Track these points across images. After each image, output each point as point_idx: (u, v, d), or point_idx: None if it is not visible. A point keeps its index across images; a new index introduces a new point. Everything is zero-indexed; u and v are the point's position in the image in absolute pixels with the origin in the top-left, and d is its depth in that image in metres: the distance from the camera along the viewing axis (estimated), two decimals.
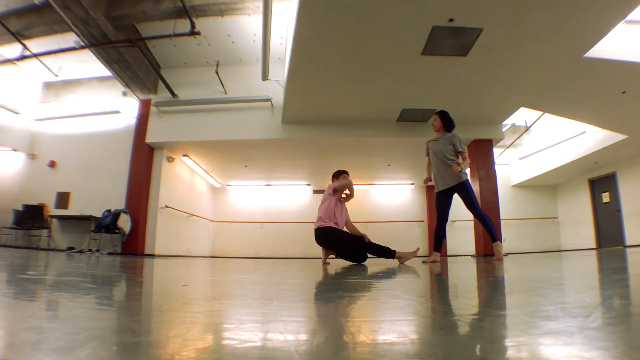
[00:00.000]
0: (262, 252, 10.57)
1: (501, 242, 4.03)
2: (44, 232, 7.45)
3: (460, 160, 4.07)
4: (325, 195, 4.31)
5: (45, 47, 6.73)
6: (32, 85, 8.38)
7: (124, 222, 6.97)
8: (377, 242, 4.03)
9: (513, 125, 9.49)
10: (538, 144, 10.01)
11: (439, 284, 1.76)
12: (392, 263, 3.84)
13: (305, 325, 0.77)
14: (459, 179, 4.01)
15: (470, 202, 4.02)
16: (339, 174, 4.42)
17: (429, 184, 4.15)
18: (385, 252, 3.87)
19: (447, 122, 4.26)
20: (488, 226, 4.01)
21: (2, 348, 0.54)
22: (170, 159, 8.07)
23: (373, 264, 3.90)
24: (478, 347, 0.57)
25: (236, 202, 11.42)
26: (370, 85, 5.82)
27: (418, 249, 4.06)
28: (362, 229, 4.40)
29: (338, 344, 0.59)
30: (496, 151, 8.92)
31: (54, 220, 7.61)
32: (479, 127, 7.20)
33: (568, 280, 1.74)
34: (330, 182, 4.43)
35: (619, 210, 9.01)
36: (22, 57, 6.76)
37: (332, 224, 4.09)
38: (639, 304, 0.97)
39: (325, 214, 4.15)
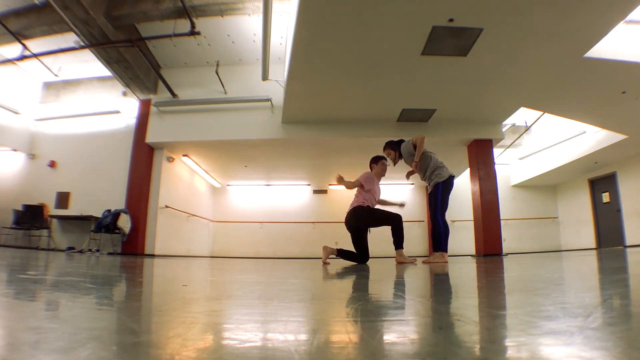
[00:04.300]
0: (262, 252, 10.57)
1: (446, 251, 4.01)
2: (44, 232, 7.45)
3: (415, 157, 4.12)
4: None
5: (45, 47, 6.73)
6: (32, 85, 8.38)
7: (124, 222, 6.97)
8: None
9: (513, 125, 9.49)
10: (538, 144, 10.01)
11: (439, 284, 1.76)
12: (392, 263, 3.85)
13: (305, 325, 0.77)
14: (432, 184, 4.05)
15: (432, 204, 4.04)
16: (376, 160, 4.44)
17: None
18: (400, 240, 3.98)
19: (397, 148, 4.35)
20: (439, 236, 3.98)
21: (2, 348, 0.54)
22: (170, 159, 8.07)
23: (373, 264, 3.90)
24: (478, 347, 0.57)
25: (236, 202, 11.42)
26: (370, 85, 5.82)
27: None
28: None
29: (338, 344, 0.59)
30: (496, 151, 8.92)
31: (54, 220, 7.61)
32: (479, 127, 7.20)
33: (568, 280, 1.74)
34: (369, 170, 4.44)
35: (619, 210, 9.01)
36: (22, 57, 6.76)
37: (365, 204, 4.14)
38: (639, 304, 0.97)
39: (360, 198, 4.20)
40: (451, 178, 4.09)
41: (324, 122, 7.15)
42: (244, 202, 11.39)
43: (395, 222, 4.01)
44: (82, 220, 7.40)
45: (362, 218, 4.09)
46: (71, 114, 8.20)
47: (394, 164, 4.47)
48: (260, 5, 5.36)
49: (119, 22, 6.03)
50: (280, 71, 6.86)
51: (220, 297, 1.28)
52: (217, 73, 7.40)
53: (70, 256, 4.81)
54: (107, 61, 6.57)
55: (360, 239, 4.10)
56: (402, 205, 4.50)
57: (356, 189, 4.30)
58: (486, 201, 6.87)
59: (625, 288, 1.30)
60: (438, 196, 4.01)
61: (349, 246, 4.16)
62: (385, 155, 4.47)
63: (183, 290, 1.48)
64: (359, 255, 4.06)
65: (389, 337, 0.64)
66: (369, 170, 4.44)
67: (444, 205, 4.05)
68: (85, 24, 5.56)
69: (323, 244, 4.34)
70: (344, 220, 4.24)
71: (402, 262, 3.82)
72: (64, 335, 0.62)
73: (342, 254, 4.06)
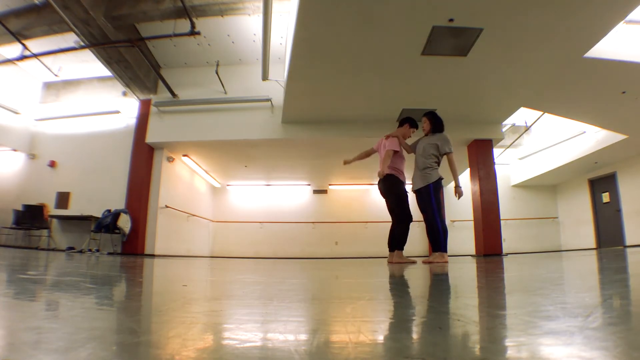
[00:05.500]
0: (262, 252, 10.57)
1: (446, 251, 3.98)
2: (44, 232, 7.45)
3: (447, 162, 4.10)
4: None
5: (45, 47, 6.73)
6: (32, 85, 8.38)
7: (124, 222, 6.97)
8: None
9: (513, 125, 9.49)
10: (538, 144, 10.01)
11: (439, 284, 1.76)
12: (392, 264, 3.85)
13: (305, 325, 0.77)
14: (424, 182, 4.03)
15: (428, 206, 4.01)
16: (404, 123, 4.40)
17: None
18: (402, 242, 3.98)
19: (435, 124, 4.29)
20: (438, 236, 3.94)
21: (2, 348, 0.54)
22: (170, 159, 8.07)
23: (373, 265, 3.90)
24: (478, 347, 0.57)
25: (236, 202, 11.42)
26: (370, 85, 5.82)
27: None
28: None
29: (338, 344, 0.59)
30: (496, 151, 8.92)
31: (54, 220, 7.61)
32: (479, 127, 7.20)
33: (568, 280, 1.74)
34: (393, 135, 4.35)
35: (619, 210, 9.01)
36: (22, 57, 6.76)
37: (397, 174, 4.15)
38: (639, 304, 0.97)
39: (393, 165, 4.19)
40: (440, 179, 4.12)
41: (324, 122, 7.15)
42: (244, 202, 11.39)
43: (404, 221, 4.00)
44: (82, 220, 7.40)
45: (388, 187, 4.08)
46: (71, 114, 8.20)
47: (425, 134, 4.41)
48: (260, 5, 5.36)
49: (119, 22, 6.03)
50: (280, 71, 6.86)
51: (220, 297, 1.28)
52: (217, 73, 7.40)
53: (70, 256, 4.81)
54: (107, 61, 6.57)
55: (399, 202, 4.07)
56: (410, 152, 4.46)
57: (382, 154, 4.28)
58: (486, 201, 6.87)
59: (625, 288, 1.30)
60: (432, 197, 4.00)
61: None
62: (422, 122, 4.39)
63: (183, 290, 1.48)
64: (404, 222, 4.03)
65: (389, 337, 0.64)
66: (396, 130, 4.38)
67: (440, 205, 4.07)
68: (85, 24, 5.56)
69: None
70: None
71: (398, 262, 3.81)
72: (64, 335, 0.62)
73: (398, 243, 4.04)
